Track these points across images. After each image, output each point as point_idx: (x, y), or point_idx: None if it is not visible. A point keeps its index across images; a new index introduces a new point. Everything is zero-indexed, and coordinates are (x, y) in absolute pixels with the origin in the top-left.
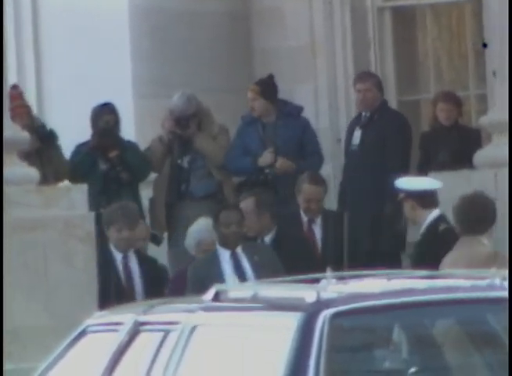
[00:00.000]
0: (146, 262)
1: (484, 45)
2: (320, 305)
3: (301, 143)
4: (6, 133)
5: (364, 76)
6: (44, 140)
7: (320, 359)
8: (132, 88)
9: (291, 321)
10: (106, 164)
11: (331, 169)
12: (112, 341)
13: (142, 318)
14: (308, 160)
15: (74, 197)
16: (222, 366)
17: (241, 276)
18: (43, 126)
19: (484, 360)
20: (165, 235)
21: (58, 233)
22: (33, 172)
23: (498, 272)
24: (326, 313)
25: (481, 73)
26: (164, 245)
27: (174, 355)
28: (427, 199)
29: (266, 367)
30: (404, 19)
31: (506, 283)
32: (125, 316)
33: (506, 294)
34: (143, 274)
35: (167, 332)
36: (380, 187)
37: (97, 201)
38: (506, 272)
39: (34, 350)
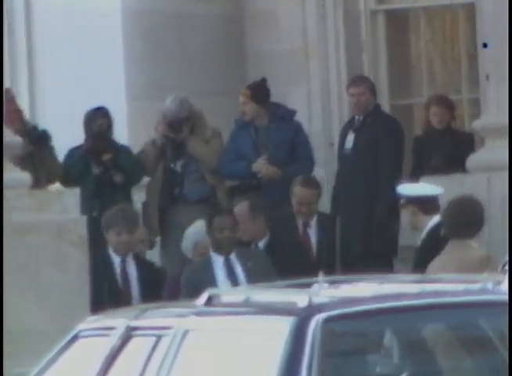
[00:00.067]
0: (145, 266)
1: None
2: (312, 309)
3: (293, 147)
4: None
5: (357, 80)
6: (36, 142)
7: (312, 364)
8: (125, 91)
9: (283, 326)
10: (100, 167)
11: (324, 173)
12: (104, 345)
13: (135, 323)
14: (299, 164)
15: (67, 201)
16: (215, 371)
17: (234, 281)
18: (35, 128)
19: (476, 365)
20: (158, 239)
21: (50, 237)
22: (25, 176)
23: (490, 276)
24: (318, 318)
25: (473, 77)
26: (157, 249)
27: (167, 360)
28: (428, 205)
29: (258, 372)
30: (397, 23)
31: (499, 288)
32: (117, 321)
33: (498, 298)
34: (141, 278)
35: (159, 337)
36: (373, 191)
37: (90, 205)
38: (499, 276)
39: (26, 354)
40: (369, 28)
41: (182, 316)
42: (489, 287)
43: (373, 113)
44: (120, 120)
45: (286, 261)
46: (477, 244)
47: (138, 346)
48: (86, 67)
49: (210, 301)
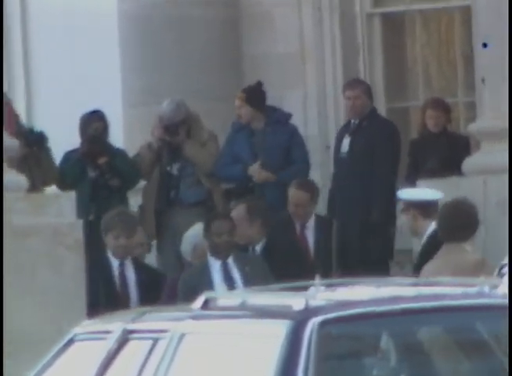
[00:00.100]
0: (143, 270)
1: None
2: (308, 312)
3: (289, 150)
4: None
5: (353, 83)
6: (32, 144)
7: (309, 367)
8: (121, 95)
9: (280, 329)
10: (95, 171)
11: (320, 177)
12: (100, 349)
13: (131, 326)
14: (294, 167)
15: (63, 205)
16: (211, 375)
17: (231, 286)
18: (31, 131)
19: (473, 368)
20: (154, 242)
21: (46, 241)
22: (21, 180)
23: (487, 279)
24: (314, 321)
25: (469, 80)
26: (154, 252)
27: (163, 363)
28: (429, 209)
29: (255, 375)
30: (393, 26)
31: (495, 291)
32: (114, 325)
33: (495, 301)
34: (139, 282)
35: (155, 340)
36: (369, 195)
37: (86, 209)
38: (496, 279)
39: (21, 358)
40: (366, 31)
41: (179, 319)
42: (486, 290)
43: (369, 117)
44: (116, 123)
45: (283, 264)
46: (470, 247)
47: (135, 350)
48: (82, 72)
49: (206, 305)
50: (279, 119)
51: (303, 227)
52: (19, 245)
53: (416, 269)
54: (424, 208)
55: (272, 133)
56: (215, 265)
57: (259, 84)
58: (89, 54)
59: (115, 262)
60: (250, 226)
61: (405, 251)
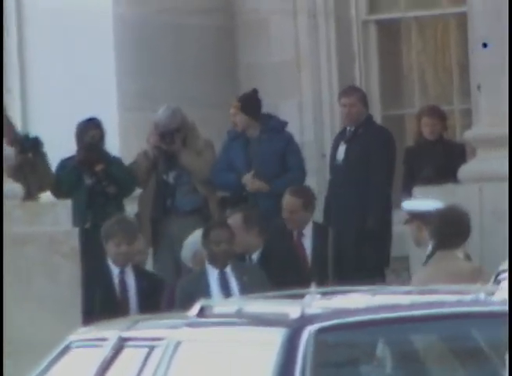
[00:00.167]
0: (144, 277)
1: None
2: (304, 320)
3: (285, 158)
4: None
5: (349, 90)
6: (27, 150)
7: (305, 375)
8: (117, 101)
9: (275, 337)
10: (92, 178)
11: (316, 184)
12: (96, 356)
13: (127, 334)
14: (290, 174)
15: (59, 213)
16: None
17: (228, 295)
18: (26, 137)
19: None
20: (150, 250)
21: (42, 249)
22: (17, 188)
23: (483, 287)
24: (310, 329)
25: (465, 87)
26: (150, 260)
27: (159, 371)
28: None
29: None
30: (389, 33)
31: (491, 299)
32: (109, 332)
33: (490, 309)
34: (139, 289)
35: (151, 348)
36: (365, 202)
37: (83, 216)
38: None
39: (17, 365)
40: (361, 38)
41: (175, 327)
42: (482, 298)
43: (365, 124)
44: (112, 131)
45: (280, 272)
46: (462, 254)
47: (131, 357)
48: (78, 78)
49: (202, 313)
50: (275, 127)
51: (300, 235)
52: (15, 253)
53: None
54: (429, 219)
55: (267, 141)
56: (213, 274)
57: (254, 92)
58: (84, 58)
59: (115, 270)
60: (247, 235)
61: (402, 258)
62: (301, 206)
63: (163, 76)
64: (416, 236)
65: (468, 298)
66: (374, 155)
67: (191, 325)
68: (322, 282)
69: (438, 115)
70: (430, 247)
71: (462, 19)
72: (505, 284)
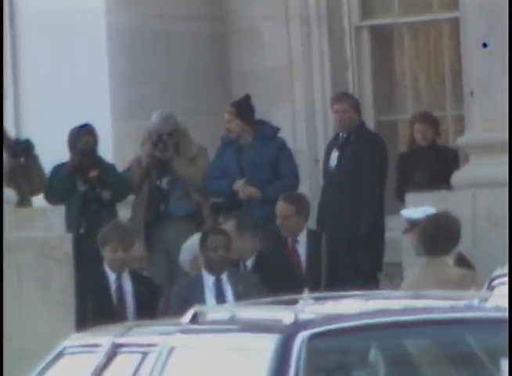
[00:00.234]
0: (141, 282)
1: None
2: (298, 326)
3: (277, 164)
4: None
5: (341, 97)
6: (19, 154)
7: None
8: (110, 109)
9: (269, 343)
10: (86, 184)
11: (309, 190)
12: (89, 363)
13: (120, 340)
14: (283, 181)
15: (52, 218)
16: None
17: (222, 303)
18: (17, 141)
19: None
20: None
21: (35, 255)
22: (10, 193)
23: (476, 293)
24: (303, 334)
25: (458, 93)
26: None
27: None
28: None
29: None
30: (382, 38)
31: (484, 304)
32: (103, 338)
33: (484, 314)
34: (136, 294)
35: (144, 354)
36: (358, 208)
37: (76, 222)
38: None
39: (10, 371)
40: (354, 44)
41: (168, 333)
42: (475, 303)
43: (357, 131)
44: (106, 139)
45: (274, 278)
46: (452, 260)
47: (124, 363)
48: (71, 86)
49: (195, 319)
50: (267, 133)
51: (294, 241)
52: (7, 259)
53: None
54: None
55: (259, 147)
56: (208, 281)
57: (247, 98)
58: (77, 66)
59: (112, 276)
60: (241, 241)
61: (395, 264)
62: (294, 212)
63: (155, 83)
64: (416, 244)
65: (462, 303)
66: (366, 161)
67: (184, 331)
68: (316, 288)
69: (431, 121)
70: None
71: (454, 25)
72: (499, 290)
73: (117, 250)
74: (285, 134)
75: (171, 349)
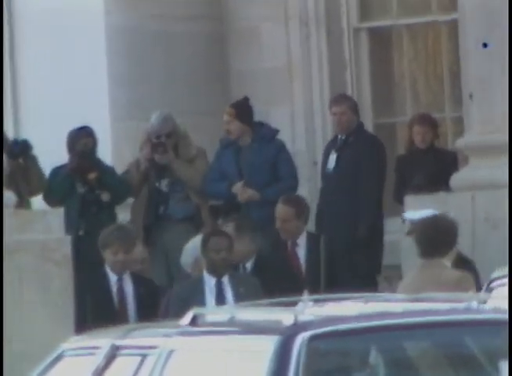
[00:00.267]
0: (142, 284)
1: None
2: (297, 328)
3: (276, 166)
4: None
5: (339, 99)
6: (17, 155)
7: None
8: (109, 111)
9: (268, 344)
10: (85, 186)
11: (308, 192)
12: (89, 365)
13: (120, 342)
14: (282, 183)
15: (51, 221)
16: None
17: (222, 305)
18: (15, 141)
19: None
20: None
21: (34, 257)
22: (10, 196)
23: (475, 295)
24: (303, 336)
25: (457, 94)
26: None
27: None
28: None
29: None
30: (380, 40)
31: (483, 307)
32: (102, 340)
33: (483, 316)
34: (138, 296)
35: (144, 356)
36: (356, 210)
37: (76, 224)
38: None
39: (10, 374)
40: (353, 46)
41: (167, 335)
42: (474, 306)
43: (356, 133)
44: (104, 140)
45: (274, 281)
46: (449, 262)
47: (124, 366)
48: (69, 86)
49: (195, 321)
50: (266, 135)
51: (294, 245)
52: (7, 261)
53: None
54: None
55: (258, 149)
56: (210, 283)
57: (246, 99)
58: (76, 66)
59: (113, 277)
60: (240, 244)
61: (394, 266)
62: (293, 215)
63: (154, 83)
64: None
65: (461, 305)
66: (365, 163)
67: (184, 334)
68: (315, 290)
69: (429, 123)
70: None
71: (453, 27)
72: (498, 292)
73: (117, 252)
74: (284, 135)
75: (171, 352)
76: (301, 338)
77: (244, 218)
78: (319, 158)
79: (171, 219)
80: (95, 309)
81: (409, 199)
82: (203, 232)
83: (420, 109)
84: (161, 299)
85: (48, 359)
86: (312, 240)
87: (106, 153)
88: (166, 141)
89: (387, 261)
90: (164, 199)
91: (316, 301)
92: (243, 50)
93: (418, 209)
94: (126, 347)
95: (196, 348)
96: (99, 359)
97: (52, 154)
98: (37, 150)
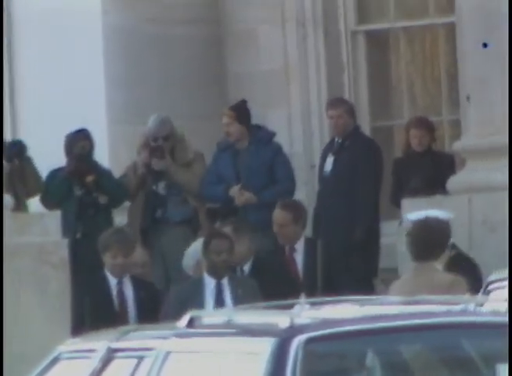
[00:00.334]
0: (142, 287)
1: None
2: (294, 330)
3: (273, 169)
4: None
5: (335, 102)
6: (13, 156)
7: None
8: (106, 114)
9: (265, 347)
10: (82, 189)
11: (305, 195)
12: (85, 368)
13: (116, 344)
14: (278, 186)
15: (48, 223)
16: None
17: (221, 307)
18: (13, 143)
19: None
20: None
21: (31, 260)
22: (7, 198)
23: (472, 297)
24: (299, 339)
25: (454, 97)
26: None
27: None
28: None
29: None
30: (378, 43)
31: (480, 309)
32: (99, 343)
33: (480, 319)
34: (138, 299)
35: (140, 359)
36: (353, 213)
37: (73, 227)
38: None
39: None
40: (350, 49)
41: (164, 337)
42: (471, 308)
43: (352, 136)
44: (101, 144)
45: (271, 283)
46: (441, 265)
47: (120, 368)
48: (67, 89)
49: (191, 323)
50: (263, 137)
51: (292, 250)
52: (4, 263)
53: None
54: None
55: (255, 152)
56: (210, 284)
57: (244, 102)
58: (74, 68)
59: (113, 281)
60: (239, 244)
61: (391, 269)
62: (291, 220)
63: (151, 86)
64: None
65: (458, 308)
66: (362, 167)
67: (180, 336)
68: (312, 294)
69: (426, 126)
70: None
71: (450, 29)
72: (495, 295)
73: (117, 256)
74: (281, 137)
75: (167, 354)
76: (297, 341)
77: (242, 222)
78: (317, 161)
79: (168, 222)
80: (94, 313)
81: (405, 202)
82: (200, 235)
83: (418, 112)
84: (161, 302)
85: (45, 362)
86: (310, 246)
87: (103, 155)
88: (163, 144)
89: (384, 264)
90: (162, 202)
91: (313, 303)
92: (240, 53)
93: (417, 211)
94: (122, 349)
95: (193, 351)
96: (95, 361)
97: (49, 157)
98: (35, 153)
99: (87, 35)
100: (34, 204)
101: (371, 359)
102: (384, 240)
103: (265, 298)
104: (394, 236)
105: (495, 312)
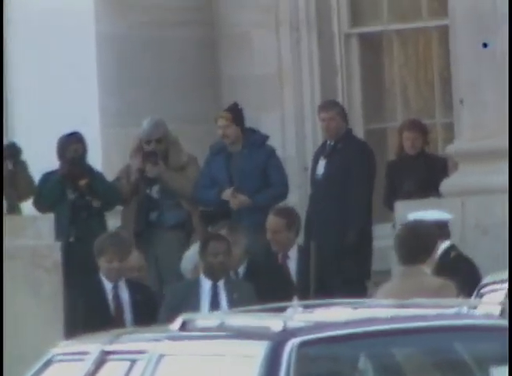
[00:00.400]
0: (138, 291)
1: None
2: (287, 333)
3: (266, 172)
4: None
5: (327, 105)
6: (5, 158)
7: None
8: (99, 117)
9: (258, 350)
10: (75, 192)
11: (298, 198)
12: (78, 370)
13: (109, 347)
14: (271, 189)
15: (41, 227)
16: None
17: (216, 309)
18: (7, 145)
19: None
20: None
21: (24, 263)
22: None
23: (465, 300)
24: (292, 342)
25: (447, 100)
26: None
27: None
28: (441, 230)
29: None
30: (371, 46)
31: (474, 312)
32: (92, 346)
33: (473, 322)
34: (134, 303)
35: (133, 361)
36: (345, 216)
37: (66, 230)
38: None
39: None
40: (343, 51)
41: (157, 340)
42: (464, 311)
43: (344, 139)
44: (94, 147)
45: (265, 286)
46: (429, 269)
47: (113, 371)
48: (60, 93)
49: (184, 326)
50: (256, 141)
51: (285, 257)
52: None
53: None
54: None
55: (248, 155)
56: (205, 286)
57: (236, 105)
58: (66, 73)
59: (108, 285)
60: (234, 247)
61: (384, 272)
62: (284, 226)
63: (144, 89)
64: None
65: (451, 311)
66: (355, 170)
67: (173, 338)
68: (305, 298)
69: (419, 129)
70: (436, 257)
71: (444, 32)
72: (488, 298)
73: (112, 260)
74: (274, 140)
75: (160, 356)
76: (290, 344)
77: (235, 225)
78: (310, 164)
79: (162, 226)
80: (89, 316)
81: (399, 204)
82: (194, 238)
83: (411, 115)
84: (158, 306)
85: (38, 365)
86: (304, 254)
87: (95, 159)
88: (156, 147)
89: (377, 266)
90: (155, 206)
91: (306, 307)
92: (234, 56)
93: (417, 211)
94: (115, 352)
95: (186, 353)
96: (88, 364)
97: (42, 160)
98: (28, 156)
99: (80, 38)
100: (28, 207)
101: (364, 363)
102: (377, 243)
103: (260, 301)
104: (386, 239)
105: (488, 315)
